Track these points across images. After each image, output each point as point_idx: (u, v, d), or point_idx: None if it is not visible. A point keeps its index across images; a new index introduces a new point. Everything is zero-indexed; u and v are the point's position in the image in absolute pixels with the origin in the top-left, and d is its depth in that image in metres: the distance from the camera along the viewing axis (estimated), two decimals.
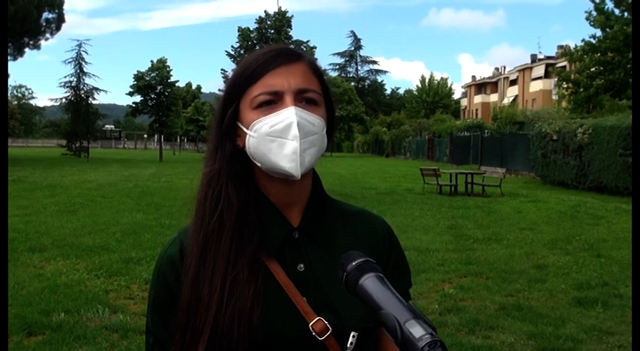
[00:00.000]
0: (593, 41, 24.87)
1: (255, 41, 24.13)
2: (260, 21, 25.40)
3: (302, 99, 1.11)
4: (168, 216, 11.80)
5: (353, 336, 1.10)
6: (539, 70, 62.67)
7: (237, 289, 1.08)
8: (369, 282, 0.92)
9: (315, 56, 1.22)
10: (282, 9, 25.42)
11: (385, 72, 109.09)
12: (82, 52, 44.54)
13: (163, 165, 35.74)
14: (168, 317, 1.13)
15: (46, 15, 40.67)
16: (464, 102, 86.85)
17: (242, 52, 23.71)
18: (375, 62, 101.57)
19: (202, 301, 1.09)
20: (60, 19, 42.29)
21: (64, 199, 14.63)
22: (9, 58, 37.40)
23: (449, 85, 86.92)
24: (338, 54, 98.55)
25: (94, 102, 45.59)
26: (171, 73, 45.06)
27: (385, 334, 1.19)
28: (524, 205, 15.12)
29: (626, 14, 23.41)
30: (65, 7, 43.19)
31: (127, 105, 51.47)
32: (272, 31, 24.82)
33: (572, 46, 27.86)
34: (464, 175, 18.67)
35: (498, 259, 8.23)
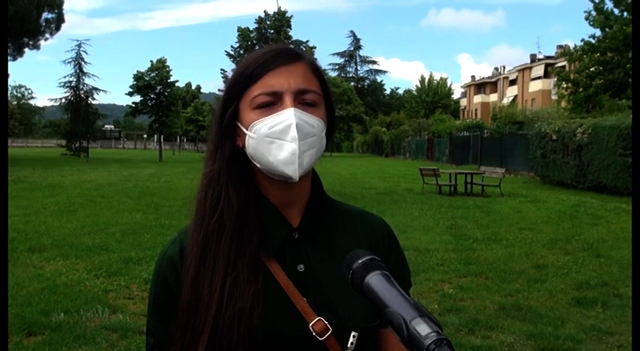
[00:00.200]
0: (593, 41, 24.86)
1: (254, 41, 24.14)
2: (260, 21, 25.42)
3: (302, 100, 1.10)
4: (168, 216, 11.80)
5: (353, 336, 1.10)
6: (539, 70, 62.69)
7: (237, 289, 1.08)
8: (375, 280, 0.92)
9: (315, 56, 1.21)
10: (282, 9, 25.45)
11: (385, 72, 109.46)
12: (82, 52, 44.59)
13: (163, 165, 35.73)
14: (168, 317, 1.13)
15: (45, 15, 40.69)
16: (463, 102, 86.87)
17: (242, 52, 23.72)
18: (374, 62, 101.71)
19: (202, 301, 1.09)
20: (59, 19, 42.28)
21: (64, 199, 14.63)
22: (8, 58, 37.38)
23: (448, 85, 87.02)
24: (337, 54, 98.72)
25: (93, 102, 45.64)
26: (171, 73, 45.11)
27: (385, 333, 1.20)
28: (524, 205, 15.13)
29: (625, 14, 23.40)
30: (65, 7, 43.22)
31: (127, 105, 51.53)
32: (271, 31, 24.83)
33: (571, 46, 27.88)
34: (463, 175, 18.67)
35: (498, 259, 8.23)
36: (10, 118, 45.62)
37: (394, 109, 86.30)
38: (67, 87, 43.96)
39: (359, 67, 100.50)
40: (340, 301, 1.12)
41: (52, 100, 46.34)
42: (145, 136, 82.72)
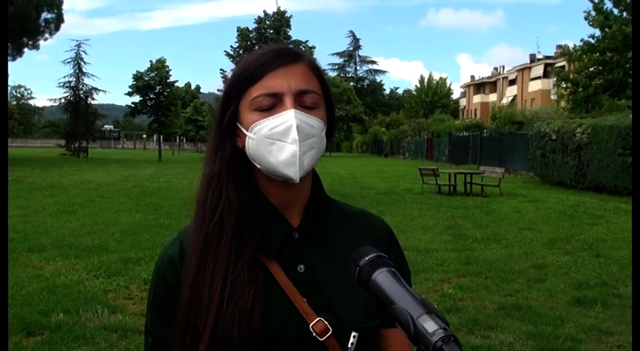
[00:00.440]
0: (592, 41, 24.87)
1: (254, 41, 24.13)
2: (259, 21, 25.41)
3: (302, 100, 1.10)
4: (168, 216, 11.80)
5: (354, 336, 1.10)
6: (538, 70, 62.73)
7: (237, 289, 1.08)
8: (382, 277, 0.91)
9: (314, 56, 1.21)
10: (281, 9, 25.45)
11: (384, 72, 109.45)
12: (81, 52, 44.65)
13: (162, 165, 35.73)
14: (167, 318, 1.13)
15: (44, 15, 40.69)
16: (463, 102, 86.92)
17: (241, 52, 23.72)
18: (373, 62, 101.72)
19: (203, 301, 1.08)
20: (59, 19, 42.27)
21: (63, 200, 14.63)
22: (8, 58, 37.35)
23: (448, 85, 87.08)
24: (337, 54, 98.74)
25: (93, 102, 45.70)
26: (170, 73, 45.12)
27: (385, 333, 1.20)
28: (523, 205, 15.13)
29: (625, 14, 23.41)
30: (64, 7, 43.23)
31: (126, 105, 51.49)
32: (271, 31, 24.83)
33: (571, 45, 27.89)
34: (463, 175, 18.68)
35: (497, 259, 8.23)
36: (10, 118, 45.58)
37: (393, 109, 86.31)
38: (66, 87, 44.03)
39: (358, 67, 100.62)
40: (340, 302, 1.12)
41: (51, 100, 46.41)
42: (145, 136, 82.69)
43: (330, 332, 1.08)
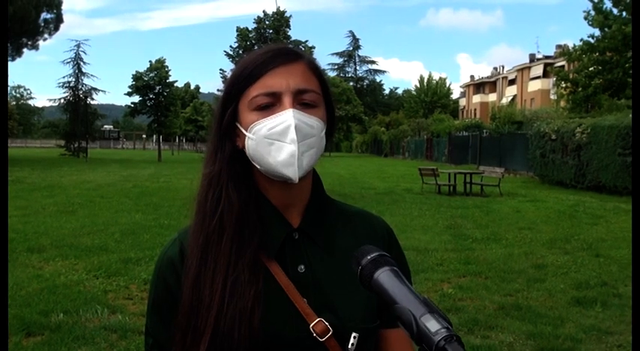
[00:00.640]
0: (592, 41, 24.88)
1: (253, 41, 24.16)
2: (259, 21, 25.44)
3: (301, 100, 1.10)
4: (167, 216, 11.80)
5: (354, 337, 1.10)
6: (538, 70, 62.76)
7: (238, 290, 1.08)
8: (384, 276, 0.91)
9: (314, 56, 1.20)
10: (281, 9, 25.48)
11: (384, 72, 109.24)
12: (81, 53, 44.80)
13: (162, 165, 35.71)
14: (168, 318, 1.13)
15: (44, 15, 40.68)
16: (462, 102, 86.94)
17: (240, 52, 23.74)
18: (373, 62, 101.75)
19: (203, 302, 1.08)
20: (58, 20, 42.26)
21: (63, 200, 14.62)
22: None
23: (447, 84, 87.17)
24: (336, 54, 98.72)
25: (92, 102, 45.83)
26: (170, 73, 45.16)
27: (385, 334, 1.20)
28: (523, 205, 15.13)
29: (624, 14, 23.42)
30: (63, 7, 43.26)
31: (126, 105, 51.49)
32: (270, 31, 24.85)
33: (570, 45, 27.92)
34: (462, 175, 18.68)
35: (497, 259, 8.23)
36: (9, 119, 45.58)
37: (393, 109, 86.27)
38: (65, 87, 44.12)
39: (358, 67, 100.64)
40: (341, 302, 1.12)
41: (51, 100, 46.51)
42: (144, 136, 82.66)
43: (330, 333, 1.08)
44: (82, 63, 44.55)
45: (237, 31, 25.03)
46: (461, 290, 6.56)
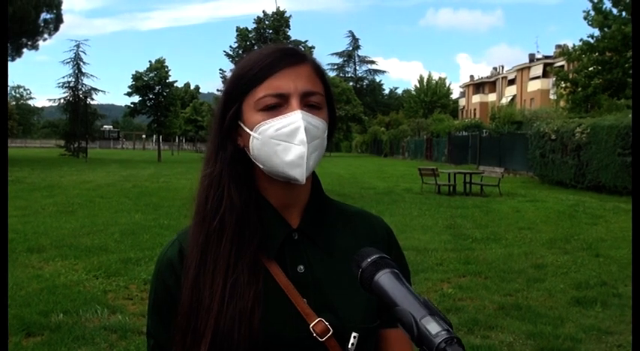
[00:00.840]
0: (591, 41, 24.90)
1: (253, 41, 24.16)
2: (258, 21, 25.45)
3: (307, 102, 1.10)
4: (167, 216, 11.80)
5: (354, 337, 1.10)
6: (538, 70, 62.78)
7: (237, 291, 1.08)
8: (385, 278, 0.91)
9: (314, 56, 1.21)
10: (280, 9, 25.47)
11: (383, 72, 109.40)
12: (80, 53, 44.73)
13: (162, 165, 35.71)
14: (168, 319, 1.13)
15: (44, 15, 40.65)
16: (462, 102, 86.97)
17: (240, 52, 23.75)
18: (373, 62, 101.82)
19: (203, 303, 1.08)
20: (58, 20, 42.24)
21: (63, 200, 14.62)
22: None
23: (447, 84, 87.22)
24: (336, 54, 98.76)
25: (92, 102, 45.78)
26: (170, 73, 45.10)
27: (385, 334, 1.20)
28: (523, 205, 15.13)
29: (624, 14, 23.43)
30: (63, 7, 43.30)
31: (126, 105, 51.45)
32: (270, 31, 24.86)
33: (570, 45, 27.94)
34: (462, 175, 18.69)
35: (497, 259, 8.23)
36: (9, 119, 45.59)
37: (393, 108, 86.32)
38: (65, 87, 44.09)
39: (357, 67, 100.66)
40: (340, 302, 1.12)
41: (50, 100, 46.49)
42: (144, 136, 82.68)
43: (330, 333, 1.08)
44: (81, 63, 44.56)
45: (236, 31, 25.04)
46: (461, 290, 6.56)
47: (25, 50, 41.75)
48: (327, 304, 1.11)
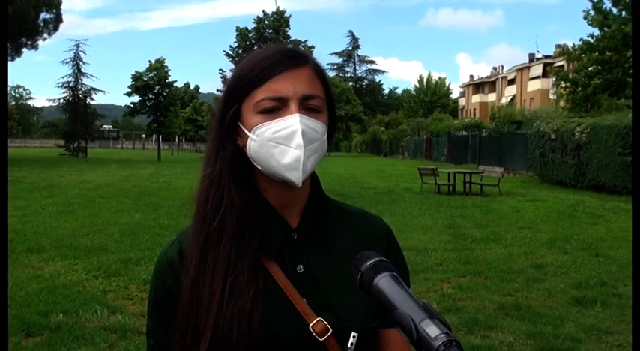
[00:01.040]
0: (591, 40, 24.89)
1: (253, 41, 24.13)
2: (258, 21, 25.41)
3: (306, 104, 1.10)
4: (167, 216, 11.80)
5: (353, 336, 1.10)
6: (537, 70, 62.78)
7: (237, 290, 1.08)
8: (384, 281, 0.91)
9: (313, 56, 1.20)
10: (280, 9, 25.45)
11: (383, 72, 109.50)
12: (80, 53, 44.73)
13: (162, 165, 35.70)
14: (167, 319, 1.13)
15: (43, 15, 40.63)
16: (462, 101, 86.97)
17: (240, 52, 23.72)
18: (372, 62, 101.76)
19: (203, 302, 1.08)
20: (58, 20, 42.22)
21: (63, 200, 14.62)
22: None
23: (447, 84, 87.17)
24: (336, 54, 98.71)
25: (92, 102, 45.76)
26: (169, 73, 45.07)
27: (384, 333, 1.20)
28: (523, 205, 15.13)
29: (624, 13, 23.43)
30: (63, 7, 43.26)
31: (125, 105, 51.44)
32: (270, 31, 24.83)
33: (570, 45, 27.93)
34: (462, 175, 18.69)
35: (497, 259, 8.23)
36: (9, 119, 45.57)
37: (393, 108, 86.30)
38: (65, 87, 44.08)
39: (357, 67, 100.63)
40: (340, 302, 1.12)
41: (50, 100, 46.47)
42: (144, 136, 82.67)
43: (329, 332, 1.08)
44: (81, 63, 44.55)
45: (236, 31, 25.00)
46: (460, 290, 6.56)
47: (24, 50, 41.78)
48: (326, 304, 1.11)
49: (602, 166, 18.32)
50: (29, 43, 41.10)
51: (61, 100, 44.39)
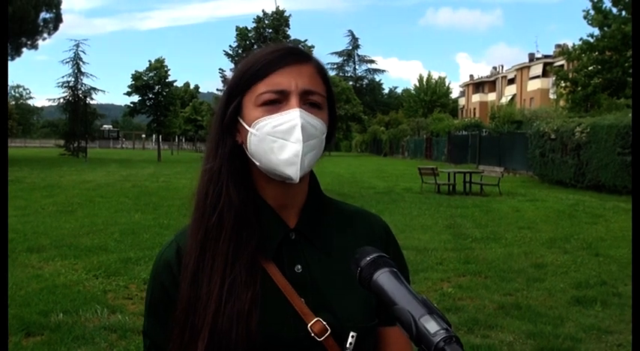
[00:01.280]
0: (591, 40, 24.90)
1: (253, 41, 24.16)
2: (258, 20, 25.44)
3: (307, 101, 1.10)
4: (167, 216, 11.80)
5: (352, 336, 1.09)
6: (537, 69, 62.78)
7: (235, 291, 1.08)
8: (384, 277, 0.91)
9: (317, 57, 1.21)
10: (280, 8, 25.47)
11: (383, 71, 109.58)
12: (80, 52, 44.63)
13: (161, 165, 35.70)
14: (164, 320, 1.13)
15: (43, 15, 40.62)
16: (462, 101, 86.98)
17: (240, 51, 23.74)
18: (372, 61, 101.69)
19: (201, 299, 1.08)
20: (57, 19, 42.20)
21: (63, 200, 14.62)
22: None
23: (447, 84, 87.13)
24: (336, 53, 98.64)
25: (91, 102, 45.68)
26: (169, 72, 45.04)
27: (383, 333, 1.19)
28: (523, 204, 15.13)
29: (624, 13, 23.43)
30: (63, 6, 43.15)
31: (125, 105, 51.37)
32: (270, 31, 24.86)
33: (570, 45, 27.95)
34: (462, 175, 18.69)
35: (497, 258, 8.23)
36: (9, 118, 45.57)
37: (392, 108, 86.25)
38: (65, 87, 44.01)
39: (357, 67, 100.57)
40: (338, 302, 1.12)
41: (50, 100, 46.39)
42: (144, 135, 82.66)
43: (328, 332, 1.08)
44: (81, 63, 44.48)
45: (236, 30, 25.02)
46: (460, 290, 6.56)
47: (24, 50, 41.75)
48: (324, 304, 1.11)
49: (602, 166, 18.32)
50: (29, 42, 41.08)
51: (61, 100, 44.36)
